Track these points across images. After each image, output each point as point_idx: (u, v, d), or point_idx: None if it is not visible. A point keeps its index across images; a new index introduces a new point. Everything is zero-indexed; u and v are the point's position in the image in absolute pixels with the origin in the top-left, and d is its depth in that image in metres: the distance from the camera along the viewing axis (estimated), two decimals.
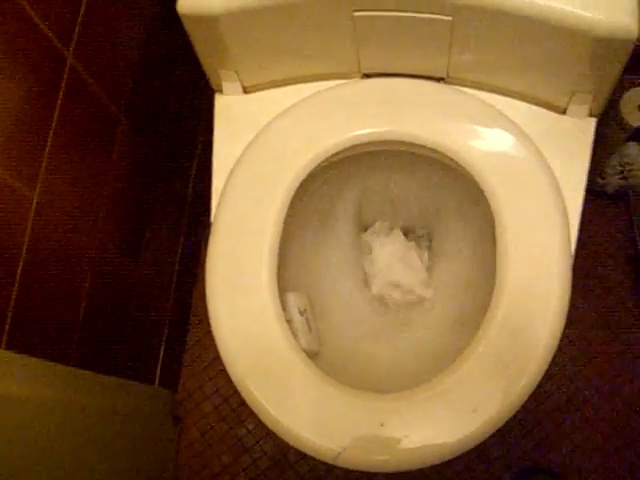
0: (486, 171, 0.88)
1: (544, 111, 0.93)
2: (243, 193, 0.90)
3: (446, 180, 1.01)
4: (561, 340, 0.83)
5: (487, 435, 0.81)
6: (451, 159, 0.90)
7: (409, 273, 1.10)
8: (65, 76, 0.84)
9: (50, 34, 0.80)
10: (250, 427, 1.29)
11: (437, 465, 1.21)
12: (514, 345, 0.82)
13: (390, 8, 0.83)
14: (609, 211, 1.37)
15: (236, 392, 1.28)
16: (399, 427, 0.80)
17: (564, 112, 0.92)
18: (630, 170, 1.27)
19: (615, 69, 0.85)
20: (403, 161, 0.99)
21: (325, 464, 1.23)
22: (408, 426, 0.80)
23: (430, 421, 0.80)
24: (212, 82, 0.97)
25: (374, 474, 1.21)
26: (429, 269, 1.13)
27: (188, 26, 0.88)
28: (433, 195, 1.08)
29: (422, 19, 0.84)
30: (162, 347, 1.23)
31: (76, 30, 0.84)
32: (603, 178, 1.31)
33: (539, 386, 0.82)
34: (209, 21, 0.86)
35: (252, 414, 1.27)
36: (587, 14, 0.79)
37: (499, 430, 0.82)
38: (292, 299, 0.94)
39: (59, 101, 0.83)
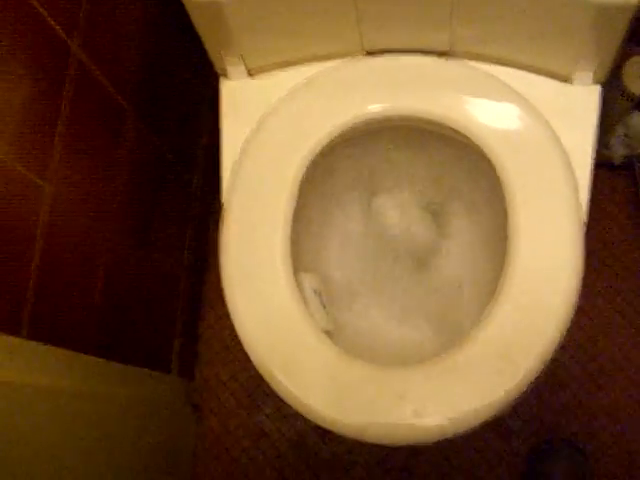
0: (495, 143, 0.88)
1: (549, 80, 0.92)
2: (254, 175, 0.91)
3: (455, 155, 1.01)
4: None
5: (507, 405, 0.81)
6: (457, 132, 0.90)
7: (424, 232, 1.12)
8: (70, 66, 0.84)
9: (54, 24, 0.80)
10: (268, 411, 1.30)
11: (456, 442, 1.24)
12: (530, 315, 0.82)
13: None
14: (616, 182, 1.37)
15: (252, 377, 1.31)
16: (418, 399, 0.80)
17: (569, 81, 0.92)
18: (636, 140, 1.27)
19: (618, 35, 0.85)
20: (410, 138, 0.99)
21: (344, 445, 1.26)
22: (427, 398, 0.80)
23: (449, 392, 0.81)
24: (217, 67, 0.97)
25: (395, 450, 1.24)
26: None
27: (192, 12, 0.88)
28: (442, 172, 1.08)
29: None
30: (177, 336, 1.24)
31: (80, 19, 0.85)
32: (609, 149, 1.31)
33: (554, 358, 0.83)
34: (213, 6, 0.86)
35: (269, 398, 1.30)
36: None
37: (517, 403, 0.83)
38: (306, 279, 0.95)
39: (65, 92, 0.83)
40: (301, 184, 0.90)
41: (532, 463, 1.23)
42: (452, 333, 1.00)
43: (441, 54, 0.94)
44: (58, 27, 0.80)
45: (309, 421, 0.82)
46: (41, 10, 0.77)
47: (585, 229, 0.87)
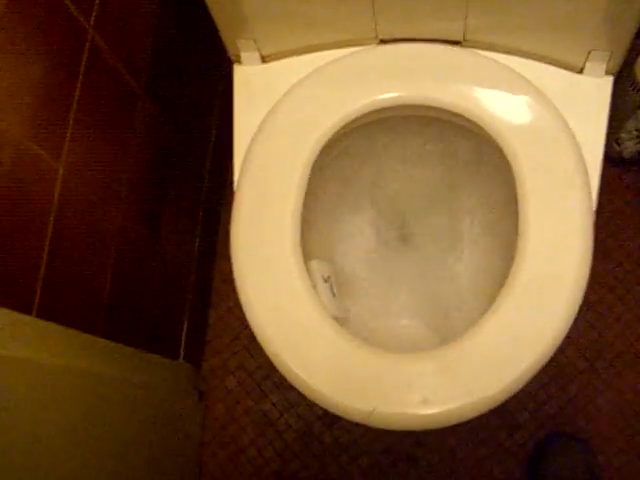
0: (507, 132, 0.88)
1: (561, 71, 0.93)
2: (265, 161, 0.91)
3: (466, 145, 1.01)
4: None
5: (514, 393, 0.81)
6: (470, 121, 0.90)
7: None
8: (86, 49, 0.84)
9: (71, 5, 0.80)
10: (274, 400, 1.30)
11: (462, 434, 1.24)
12: (538, 305, 0.82)
13: None
14: (626, 176, 1.37)
15: (260, 367, 1.31)
16: (426, 386, 0.80)
17: (581, 71, 0.92)
18: None
19: (631, 25, 0.85)
20: (423, 126, 1.00)
21: (350, 434, 1.26)
22: (435, 384, 0.81)
23: (457, 379, 0.81)
24: (230, 53, 0.97)
25: (401, 440, 1.25)
26: None
27: None
28: (453, 161, 1.08)
29: None
30: (185, 322, 1.24)
31: (96, 2, 0.85)
32: (619, 144, 1.31)
33: (561, 351, 0.83)
34: None
35: (276, 387, 1.31)
36: None
37: (524, 396, 0.83)
38: (316, 266, 0.95)
39: (80, 76, 0.84)
40: (312, 171, 0.91)
41: (538, 457, 1.23)
42: (461, 321, 1.00)
43: (454, 43, 0.94)
44: (74, 7, 0.81)
45: (317, 406, 0.83)
46: None
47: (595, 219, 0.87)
